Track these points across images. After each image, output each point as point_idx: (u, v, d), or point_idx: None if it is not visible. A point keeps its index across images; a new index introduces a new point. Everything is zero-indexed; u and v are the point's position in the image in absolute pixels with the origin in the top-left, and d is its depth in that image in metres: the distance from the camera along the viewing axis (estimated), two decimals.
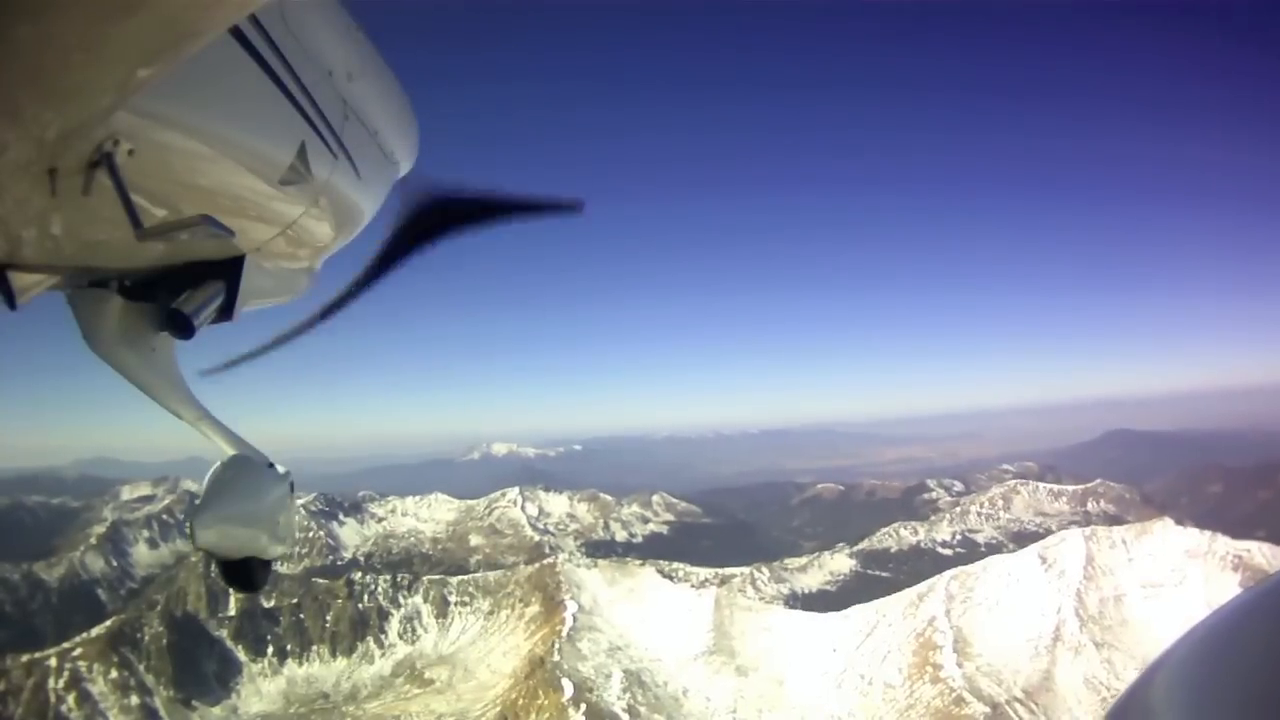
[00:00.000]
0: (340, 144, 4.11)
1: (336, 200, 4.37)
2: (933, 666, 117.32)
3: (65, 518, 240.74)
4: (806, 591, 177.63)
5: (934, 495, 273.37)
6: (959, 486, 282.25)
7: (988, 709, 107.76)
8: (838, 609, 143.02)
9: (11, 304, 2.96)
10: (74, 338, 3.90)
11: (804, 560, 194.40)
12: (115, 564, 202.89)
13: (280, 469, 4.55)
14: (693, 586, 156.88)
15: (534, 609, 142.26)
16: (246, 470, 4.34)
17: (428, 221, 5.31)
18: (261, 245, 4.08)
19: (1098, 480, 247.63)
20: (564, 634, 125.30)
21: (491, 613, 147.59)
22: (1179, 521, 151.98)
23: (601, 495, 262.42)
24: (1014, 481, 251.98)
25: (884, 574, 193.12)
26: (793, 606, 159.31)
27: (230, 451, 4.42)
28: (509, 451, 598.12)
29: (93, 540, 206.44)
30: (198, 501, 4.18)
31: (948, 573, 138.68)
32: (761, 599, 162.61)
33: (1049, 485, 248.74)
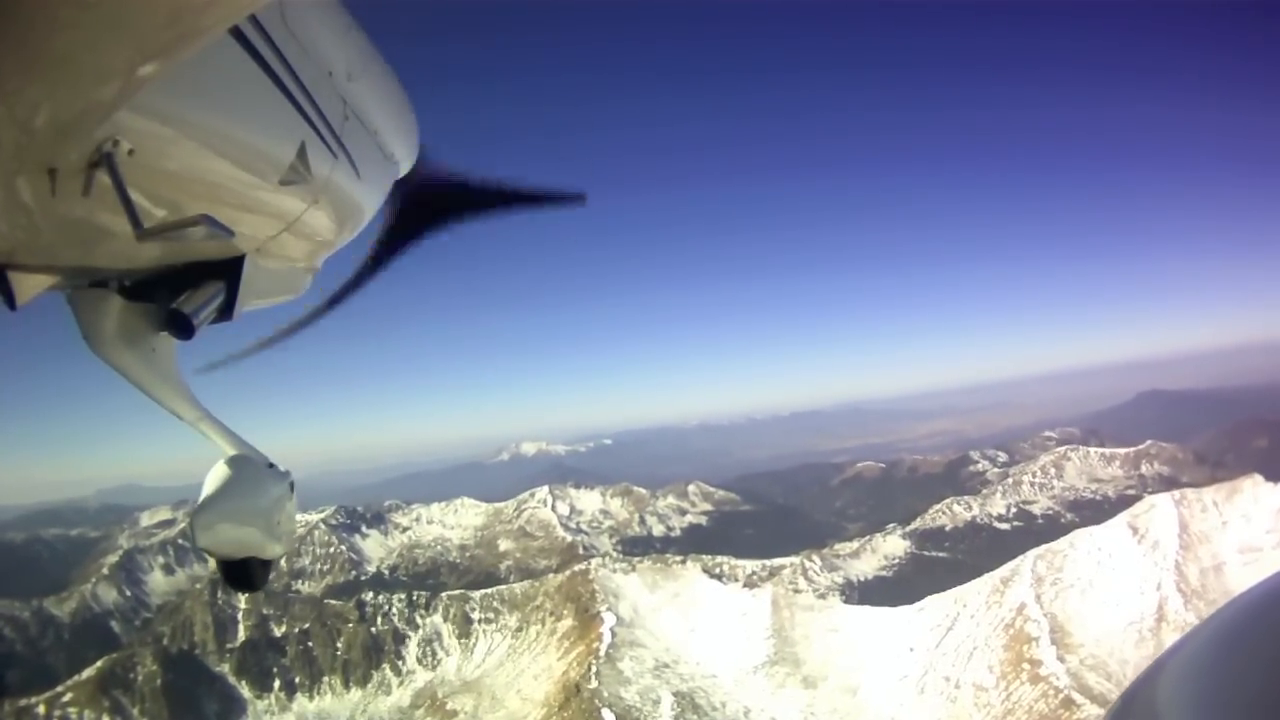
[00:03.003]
0: (340, 144, 4.09)
1: (336, 200, 4.32)
2: (1030, 663, 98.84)
3: (82, 549, 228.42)
4: (863, 579, 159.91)
5: (980, 467, 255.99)
6: (1003, 457, 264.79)
7: (1101, 709, 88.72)
8: (902, 598, 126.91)
9: (11, 304, 2.96)
10: (74, 338, 3.87)
11: (855, 545, 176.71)
12: (129, 594, 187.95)
13: (281, 468, 4.45)
14: (743, 585, 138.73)
15: (567, 623, 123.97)
16: (246, 470, 4.23)
17: (429, 208, 5.25)
18: (262, 245, 4.03)
19: (1148, 441, 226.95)
20: (602, 652, 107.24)
21: (520, 629, 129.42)
22: (1270, 478, 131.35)
23: (635, 489, 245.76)
24: (1062, 448, 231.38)
25: (941, 554, 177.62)
26: (850, 597, 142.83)
27: (230, 451, 4.31)
28: (538, 450, 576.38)
29: (105, 571, 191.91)
30: (197, 502, 4.13)
31: (1031, 552, 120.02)
32: (816, 591, 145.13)
33: (1098, 450, 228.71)
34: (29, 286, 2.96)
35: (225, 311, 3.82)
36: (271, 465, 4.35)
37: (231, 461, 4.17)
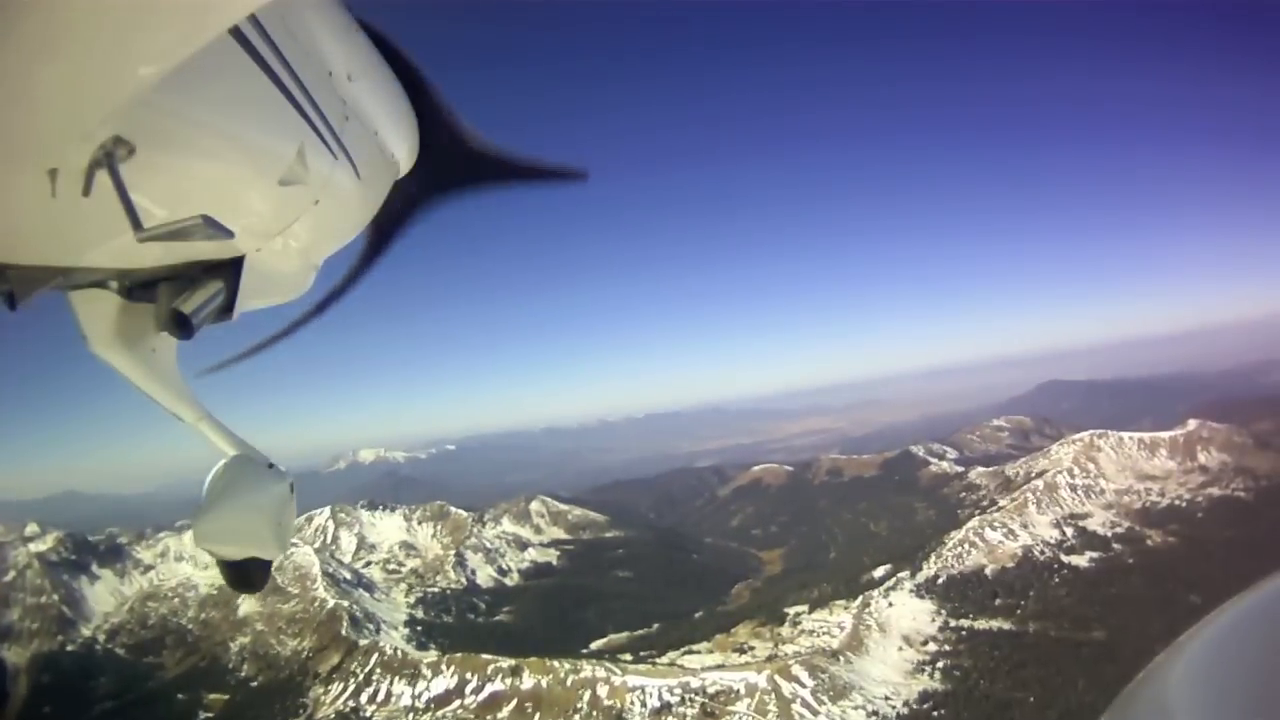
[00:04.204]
0: (340, 144, 3.87)
1: (336, 200, 4.08)
2: None
3: None
4: (887, 698, 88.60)
5: (941, 468, 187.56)
6: (952, 453, 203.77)
7: None
8: None
9: (12, 304, 2.85)
10: (74, 338, 3.79)
11: (831, 617, 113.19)
12: None
13: (281, 468, 4.34)
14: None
15: None
16: (247, 471, 4.16)
17: (437, 172, 5.01)
18: (261, 245, 3.86)
19: (1193, 422, 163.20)
20: None
21: None
22: None
23: (455, 511, 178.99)
24: (1085, 435, 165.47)
25: (1004, 624, 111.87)
26: None
27: (231, 452, 4.24)
28: (377, 457, 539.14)
29: None
30: (200, 502, 4.02)
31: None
32: None
33: (1134, 435, 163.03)
34: (29, 286, 2.86)
35: (225, 311, 3.67)
36: (271, 466, 4.23)
37: (232, 462, 4.11)
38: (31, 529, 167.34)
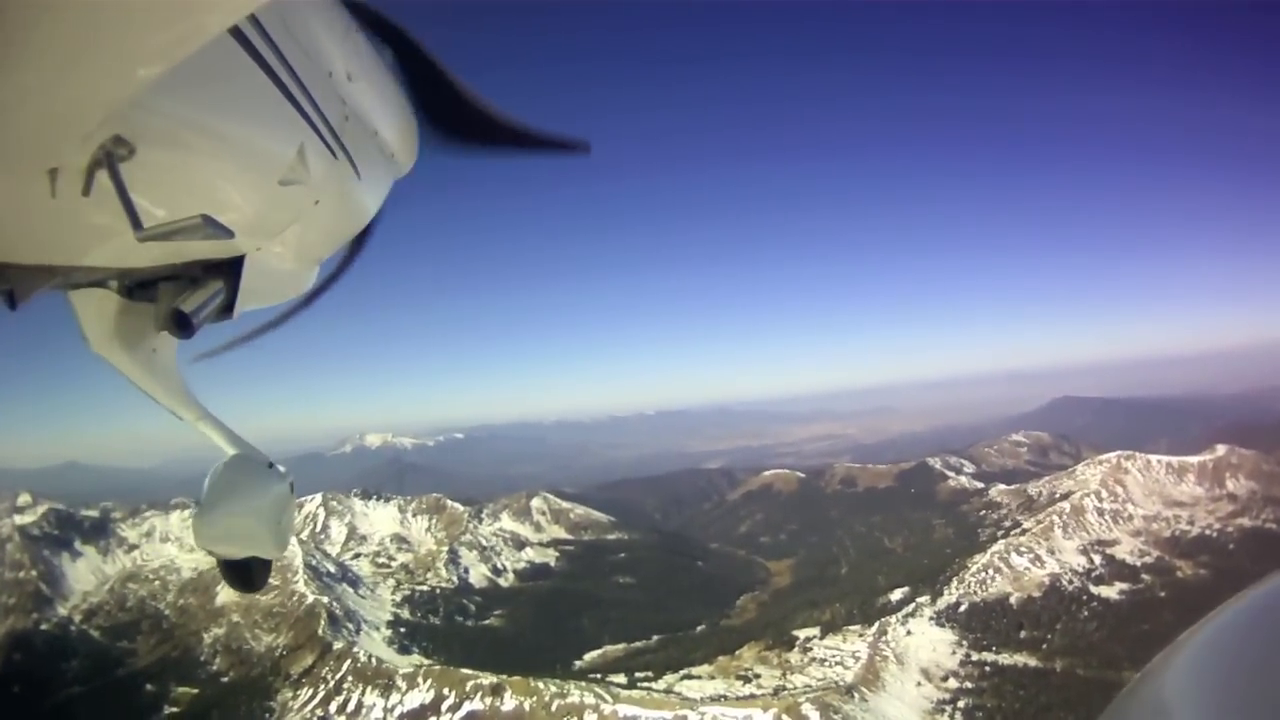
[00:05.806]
0: (340, 144, 3.96)
1: (336, 201, 4.17)
2: None
3: None
4: None
5: (959, 483, 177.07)
6: (970, 466, 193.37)
7: None
8: None
9: (12, 304, 2.90)
10: (74, 338, 3.86)
11: (843, 642, 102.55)
12: None
13: (281, 468, 4.45)
14: None
15: None
16: (247, 470, 4.27)
17: (440, 121, 4.89)
18: (261, 245, 3.95)
19: (1222, 447, 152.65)
20: None
21: None
22: None
23: (450, 504, 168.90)
24: (1112, 455, 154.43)
25: (1029, 660, 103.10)
26: None
27: (231, 451, 4.35)
28: (384, 442, 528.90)
29: None
30: (200, 502, 4.12)
31: None
32: None
33: (1160, 459, 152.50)
34: (29, 286, 2.89)
35: (225, 311, 3.75)
36: (271, 465, 4.33)
37: (232, 462, 4.18)
38: (24, 499, 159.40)
